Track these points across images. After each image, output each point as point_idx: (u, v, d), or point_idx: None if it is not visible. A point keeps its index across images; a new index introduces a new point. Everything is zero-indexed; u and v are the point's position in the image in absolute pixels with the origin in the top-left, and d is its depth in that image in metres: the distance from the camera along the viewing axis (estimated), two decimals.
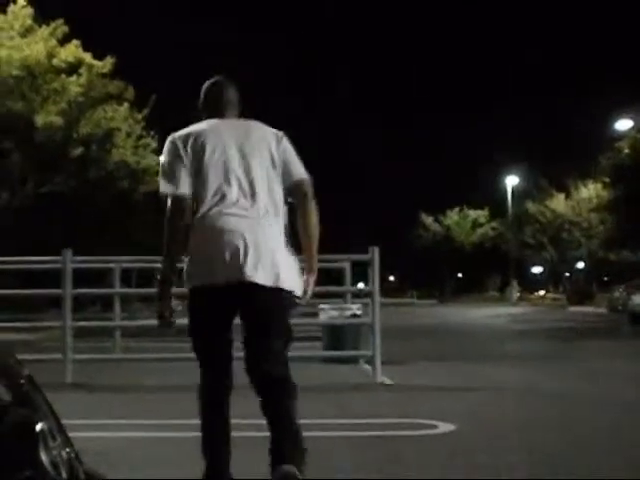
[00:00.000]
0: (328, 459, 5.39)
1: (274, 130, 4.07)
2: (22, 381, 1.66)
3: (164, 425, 6.60)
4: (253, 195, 3.81)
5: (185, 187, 3.81)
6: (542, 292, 76.09)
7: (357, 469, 5.07)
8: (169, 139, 4.00)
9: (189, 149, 3.86)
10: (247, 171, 3.85)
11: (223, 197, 3.79)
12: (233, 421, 4.20)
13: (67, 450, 1.58)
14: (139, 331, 16.69)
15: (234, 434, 4.21)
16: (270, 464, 3.83)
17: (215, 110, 4.14)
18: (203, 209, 3.79)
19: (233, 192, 3.80)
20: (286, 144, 4.02)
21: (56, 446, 1.49)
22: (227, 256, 3.70)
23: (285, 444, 3.94)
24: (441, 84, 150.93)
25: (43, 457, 1.42)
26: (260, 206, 3.80)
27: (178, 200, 3.81)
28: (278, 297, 3.83)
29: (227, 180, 3.82)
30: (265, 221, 3.79)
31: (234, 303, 3.85)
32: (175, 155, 3.89)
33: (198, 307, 4.02)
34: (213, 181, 3.81)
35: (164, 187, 3.88)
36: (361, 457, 5.45)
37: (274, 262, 3.75)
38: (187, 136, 3.94)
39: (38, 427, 1.46)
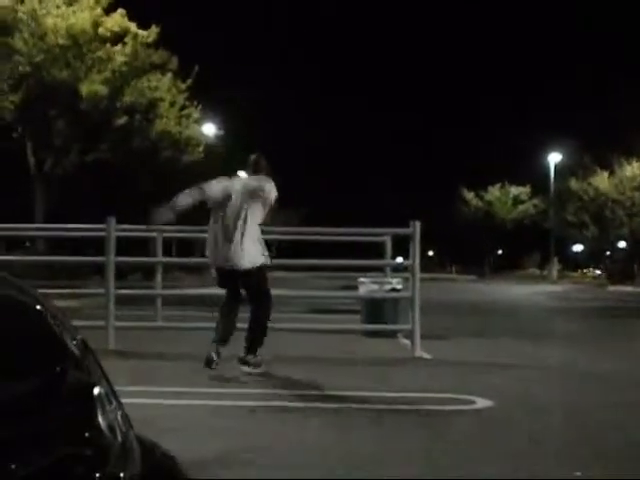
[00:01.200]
0: (365, 431, 5.44)
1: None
2: (78, 345, 1.70)
3: (203, 393, 6.68)
4: None
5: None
6: (581, 270, 75.42)
7: (393, 442, 5.11)
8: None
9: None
10: None
11: None
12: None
13: (121, 414, 1.62)
14: (179, 300, 16.86)
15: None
16: None
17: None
18: None
19: None
20: None
21: (112, 410, 1.52)
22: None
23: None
24: (489, 60, 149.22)
25: (100, 420, 1.45)
26: None
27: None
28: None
29: None
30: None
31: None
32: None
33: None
34: None
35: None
36: (397, 431, 5.48)
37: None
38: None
39: (96, 391, 1.49)
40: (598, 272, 63.42)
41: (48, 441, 1.31)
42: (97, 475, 1.38)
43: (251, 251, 7.94)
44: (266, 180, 8.20)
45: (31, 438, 1.27)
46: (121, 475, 1.46)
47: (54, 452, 1.31)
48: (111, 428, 1.48)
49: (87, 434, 1.41)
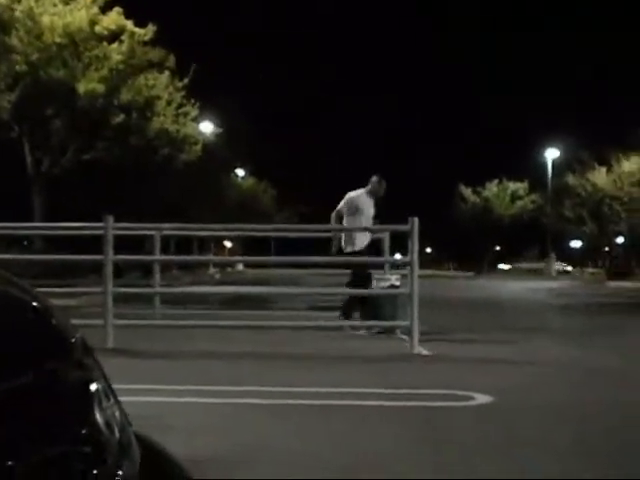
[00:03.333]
0: (364, 428, 5.44)
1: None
2: (76, 342, 1.69)
3: (201, 391, 6.67)
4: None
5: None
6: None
7: (392, 438, 5.10)
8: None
9: None
10: None
11: None
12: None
13: (118, 411, 1.61)
14: (177, 298, 16.86)
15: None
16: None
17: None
18: None
19: None
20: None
21: (109, 406, 1.52)
22: None
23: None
24: (486, 55, 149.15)
25: (98, 417, 1.44)
26: None
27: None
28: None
29: None
30: None
31: None
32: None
33: None
34: None
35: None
36: (396, 427, 5.48)
37: None
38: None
39: (93, 387, 1.48)
40: (595, 271, 63.31)
41: (45, 438, 1.30)
42: (94, 472, 1.37)
43: None
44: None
45: (27, 435, 1.26)
46: (119, 473, 1.45)
47: (51, 449, 1.30)
48: (108, 425, 1.47)
49: (84, 431, 1.40)
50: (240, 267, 56.82)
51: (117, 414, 1.55)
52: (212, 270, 48.64)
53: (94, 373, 1.58)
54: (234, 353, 9.43)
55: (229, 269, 54.18)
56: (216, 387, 6.90)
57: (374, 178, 11.99)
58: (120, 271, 27.25)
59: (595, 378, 7.89)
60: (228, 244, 66.61)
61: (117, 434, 1.49)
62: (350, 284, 11.86)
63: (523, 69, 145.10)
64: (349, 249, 11.75)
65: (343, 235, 11.86)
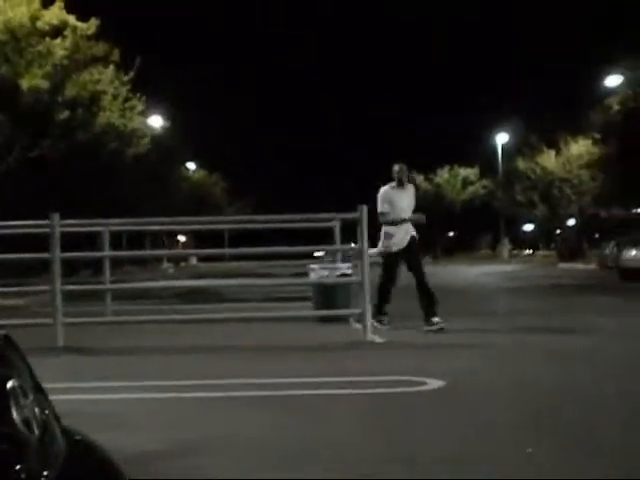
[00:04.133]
0: (320, 416, 5.42)
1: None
2: None
3: (152, 386, 6.61)
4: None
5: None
6: (529, 251, 76.20)
7: (342, 426, 5.10)
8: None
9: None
10: None
11: None
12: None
13: (41, 408, 1.56)
14: (129, 294, 16.71)
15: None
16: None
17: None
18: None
19: None
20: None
21: (28, 404, 1.47)
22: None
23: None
24: (434, 42, 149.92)
25: (14, 414, 1.40)
26: None
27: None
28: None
29: None
30: None
31: None
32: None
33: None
34: None
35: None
36: (351, 414, 5.47)
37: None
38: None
39: (9, 384, 1.43)
40: (547, 253, 64.03)
41: None
42: (12, 471, 1.32)
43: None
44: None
45: None
46: (40, 471, 1.41)
47: None
48: (27, 423, 1.42)
49: (1, 428, 1.36)
50: (194, 261, 56.59)
51: (37, 411, 1.50)
52: (165, 265, 48.37)
53: (13, 370, 1.53)
54: (185, 347, 9.37)
55: (183, 263, 53.92)
56: (167, 382, 6.84)
57: (395, 167, 11.11)
58: (72, 269, 26.98)
59: (544, 359, 7.97)
60: (182, 238, 66.26)
61: (37, 431, 1.45)
62: (379, 282, 10.93)
63: (470, 53, 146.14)
64: (380, 248, 11.01)
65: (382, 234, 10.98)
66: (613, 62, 37.09)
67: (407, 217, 11.01)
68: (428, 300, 10.53)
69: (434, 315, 10.44)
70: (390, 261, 10.92)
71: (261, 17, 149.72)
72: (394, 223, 10.80)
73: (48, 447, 1.49)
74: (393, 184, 11.05)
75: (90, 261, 24.78)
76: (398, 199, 10.94)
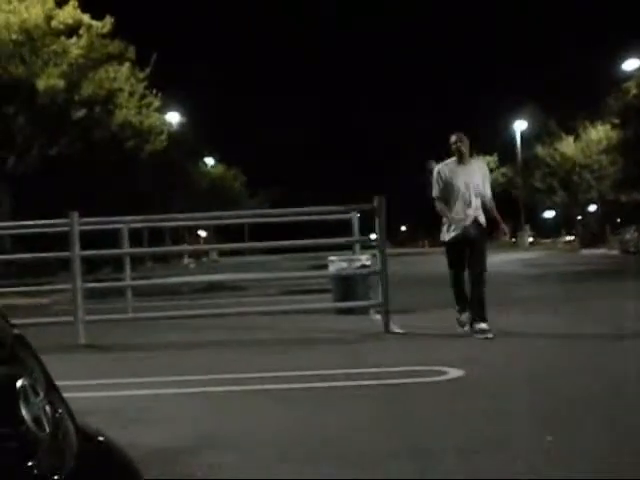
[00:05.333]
0: (342, 408, 5.43)
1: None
2: (8, 341, 1.65)
3: (176, 382, 6.64)
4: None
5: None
6: (548, 240, 75.57)
7: (365, 416, 5.10)
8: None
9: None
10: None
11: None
12: None
13: (54, 406, 1.57)
14: (152, 290, 16.79)
15: None
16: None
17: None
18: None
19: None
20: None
21: (38, 402, 1.48)
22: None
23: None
24: (453, 29, 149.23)
25: (24, 413, 1.41)
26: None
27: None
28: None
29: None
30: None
31: None
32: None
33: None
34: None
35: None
36: (369, 405, 5.48)
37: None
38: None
39: (19, 383, 1.45)
40: (569, 239, 63.71)
41: None
42: (22, 468, 1.34)
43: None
44: None
45: None
46: (52, 469, 1.42)
47: None
48: (37, 421, 1.43)
49: (9, 427, 1.37)
50: (215, 256, 56.73)
51: (48, 409, 1.51)
52: (186, 260, 48.51)
53: (24, 369, 1.54)
54: (207, 342, 9.39)
55: (204, 259, 54.05)
56: (189, 377, 6.86)
57: (452, 138, 9.10)
58: (94, 267, 27.12)
59: (565, 347, 7.93)
60: (203, 233, 66.40)
61: (48, 429, 1.46)
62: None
63: (487, 41, 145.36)
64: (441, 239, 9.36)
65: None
66: (630, 46, 36.78)
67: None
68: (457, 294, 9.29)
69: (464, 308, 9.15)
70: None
71: (280, 8, 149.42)
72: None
73: (60, 445, 1.50)
74: (451, 159, 9.18)
75: (111, 259, 24.91)
76: (457, 175, 8.96)
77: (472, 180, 8.92)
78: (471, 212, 8.89)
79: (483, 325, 8.67)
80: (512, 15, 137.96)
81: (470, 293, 9.01)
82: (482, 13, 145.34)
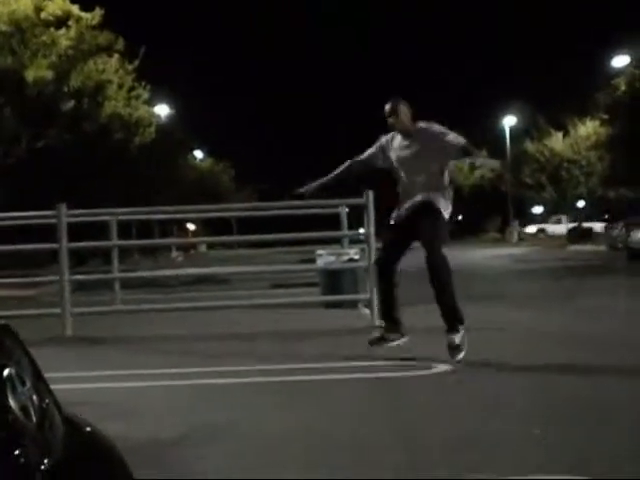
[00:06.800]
0: (328, 401, 5.44)
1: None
2: None
3: (163, 374, 6.64)
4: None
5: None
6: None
7: (350, 409, 5.12)
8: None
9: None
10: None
11: None
12: None
13: (41, 396, 1.58)
14: (140, 282, 16.77)
15: None
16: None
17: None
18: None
19: None
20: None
21: (25, 391, 1.48)
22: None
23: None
24: (443, 26, 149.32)
25: (11, 401, 1.41)
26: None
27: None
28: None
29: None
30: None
31: None
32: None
33: None
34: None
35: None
36: (358, 398, 5.49)
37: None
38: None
39: (5, 372, 1.45)
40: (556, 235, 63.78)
41: None
42: (9, 457, 1.34)
43: None
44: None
45: None
46: (39, 458, 1.42)
47: None
48: (24, 410, 1.44)
49: None
50: (203, 249, 56.62)
51: (35, 399, 1.52)
52: (174, 253, 48.41)
53: (10, 359, 1.55)
54: (194, 335, 9.40)
55: (192, 251, 53.95)
56: (176, 370, 6.87)
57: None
58: (83, 259, 27.06)
59: (550, 341, 7.96)
60: (191, 226, 66.28)
61: (34, 418, 1.46)
62: None
63: (477, 37, 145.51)
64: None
65: None
66: (619, 43, 36.87)
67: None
68: None
69: None
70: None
71: (265, 4, 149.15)
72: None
73: (47, 434, 1.50)
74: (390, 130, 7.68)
75: (100, 251, 24.85)
76: (395, 149, 7.63)
77: (405, 153, 7.57)
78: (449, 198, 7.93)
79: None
80: (499, 11, 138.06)
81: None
82: (469, 10, 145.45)
